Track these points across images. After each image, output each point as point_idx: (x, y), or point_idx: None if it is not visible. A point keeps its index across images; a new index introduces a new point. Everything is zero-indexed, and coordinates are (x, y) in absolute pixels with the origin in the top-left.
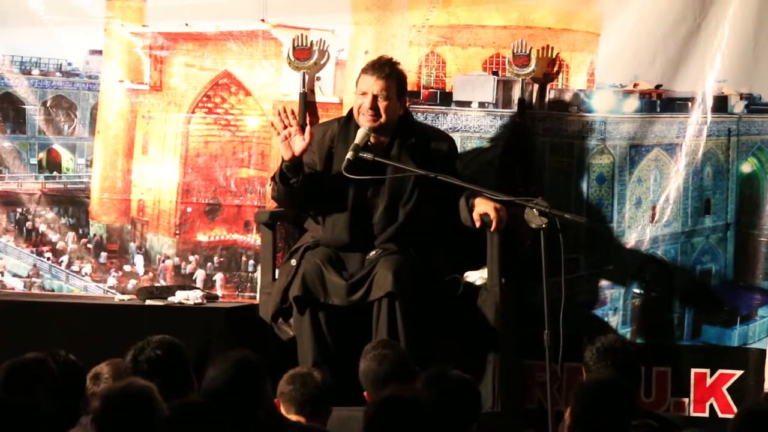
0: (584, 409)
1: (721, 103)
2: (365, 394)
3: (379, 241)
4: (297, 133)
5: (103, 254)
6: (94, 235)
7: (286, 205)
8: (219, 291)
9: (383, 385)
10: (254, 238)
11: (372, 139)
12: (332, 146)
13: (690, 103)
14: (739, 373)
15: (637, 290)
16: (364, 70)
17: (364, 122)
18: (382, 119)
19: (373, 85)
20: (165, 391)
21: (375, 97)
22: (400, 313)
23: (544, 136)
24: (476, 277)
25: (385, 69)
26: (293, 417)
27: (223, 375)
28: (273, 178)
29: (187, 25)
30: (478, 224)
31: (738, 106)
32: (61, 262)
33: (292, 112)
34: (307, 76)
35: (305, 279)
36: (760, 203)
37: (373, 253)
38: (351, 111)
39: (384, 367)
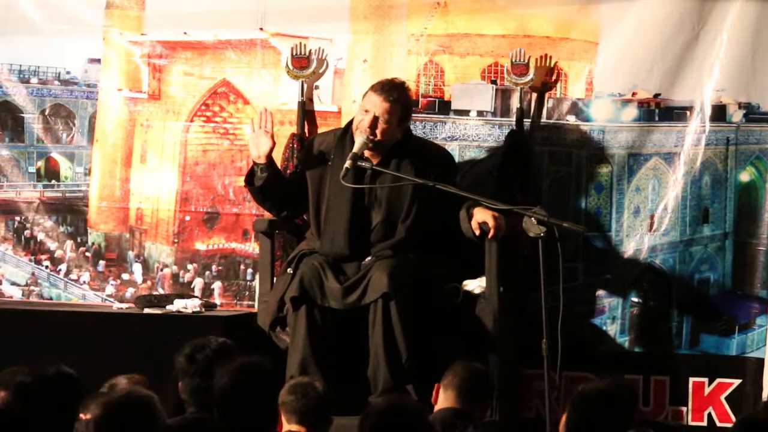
0: (580, 418)
1: (719, 112)
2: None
3: (376, 249)
4: (264, 135)
5: (102, 263)
6: (93, 243)
7: (259, 203)
8: (217, 299)
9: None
10: (252, 247)
11: (366, 154)
12: (327, 156)
13: (688, 112)
14: (737, 382)
15: (635, 299)
16: (374, 88)
17: (361, 134)
18: (376, 139)
19: (378, 106)
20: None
21: (376, 118)
22: (396, 313)
23: (542, 145)
24: (474, 285)
25: (394, 93)
26: (294, 427)
27: (232, 382)
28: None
29: (185, 33)
30: (477, 232)
31: (736, 115)
32: (60, 270)
33: (272, 115)
34: (305, 85)
35: (303, 281)
36: (758, 212)
37: (369, 258)
38: (348, 123)
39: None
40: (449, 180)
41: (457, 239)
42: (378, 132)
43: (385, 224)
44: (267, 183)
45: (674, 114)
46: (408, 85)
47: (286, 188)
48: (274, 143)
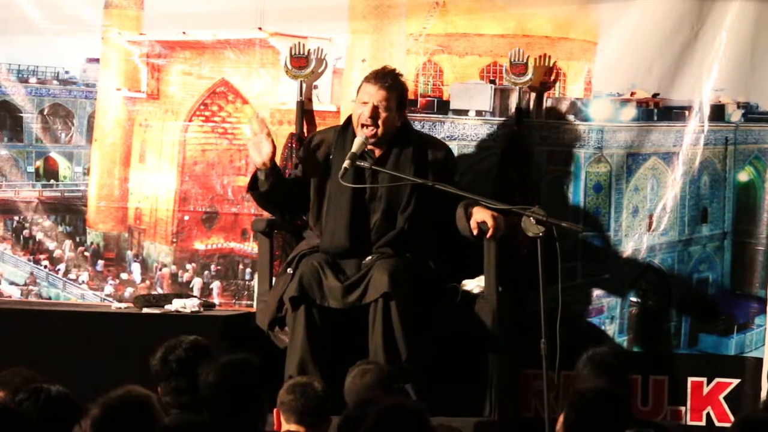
0: (578, 417)
1: (718, 112)
2: None
3: (377, 246)
4: (265, 140)
5: (100, 262)
6: (91, 243)
7: (262, 207)
8: (216, 299)
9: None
10: (251, 247)
11: (368, 148)
12: (328, 154)
13: (687, 112)
14: (736, 381)
15: (634, 299)
16: (367, 79)
17: (362, 132)
18: (380, 130)
19: (375, 94)
20: (191, 392)
21: (375, 108)
22: (396, 313)
23: (541, 145)
24: (473, 285)
25: (388, 80)
26: (293, 427)
27: (218, 380)
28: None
29: (184, 33)
30: (475, 232)
31: (735, 115)
32: (58, 270)
33: (263, 121)
34: (304, 85)
35: (302, 280)
36: (757, 212)
37: (370, 257)
38: (348, 119)
39: (366, 381)
40: (448, 175)
41: (455, 238)
42: (380, 122)
43: (385, 218)
44: (272, 188)
45: (673, 114)
46: (399, 71)
47: (289, 191)
48: (275, 146)
